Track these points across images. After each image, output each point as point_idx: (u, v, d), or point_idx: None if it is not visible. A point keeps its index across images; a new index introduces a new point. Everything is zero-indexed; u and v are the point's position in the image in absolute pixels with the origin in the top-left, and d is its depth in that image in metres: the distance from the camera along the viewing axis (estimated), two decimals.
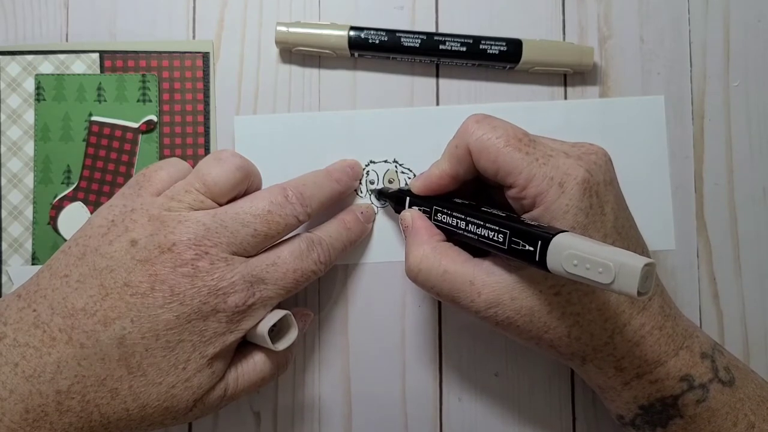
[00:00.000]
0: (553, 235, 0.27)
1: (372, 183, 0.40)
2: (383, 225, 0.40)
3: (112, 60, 0.40)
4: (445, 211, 0.34)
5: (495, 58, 0.39)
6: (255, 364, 0.34)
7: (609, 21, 0.41)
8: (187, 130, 0.40)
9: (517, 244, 0.29)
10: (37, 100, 0.40)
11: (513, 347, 0.40)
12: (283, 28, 0.39)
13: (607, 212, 0.31)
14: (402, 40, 0.39)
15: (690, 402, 0.32)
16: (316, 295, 0.40)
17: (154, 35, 0.41)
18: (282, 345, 0.33)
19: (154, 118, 0.40)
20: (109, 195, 0.40)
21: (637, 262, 0.24)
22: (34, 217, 0.40)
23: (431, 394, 0.40)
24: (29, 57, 0.40)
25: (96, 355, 0.29)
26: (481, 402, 0.40)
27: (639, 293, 0.24)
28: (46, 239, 0.40)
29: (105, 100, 0.40)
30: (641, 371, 0.32)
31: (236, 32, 0.41)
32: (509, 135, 0.31)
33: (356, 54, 0.40)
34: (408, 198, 0.37)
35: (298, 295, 0.40)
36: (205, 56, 0.41)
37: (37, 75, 0.40)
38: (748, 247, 0.40)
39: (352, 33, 0.39)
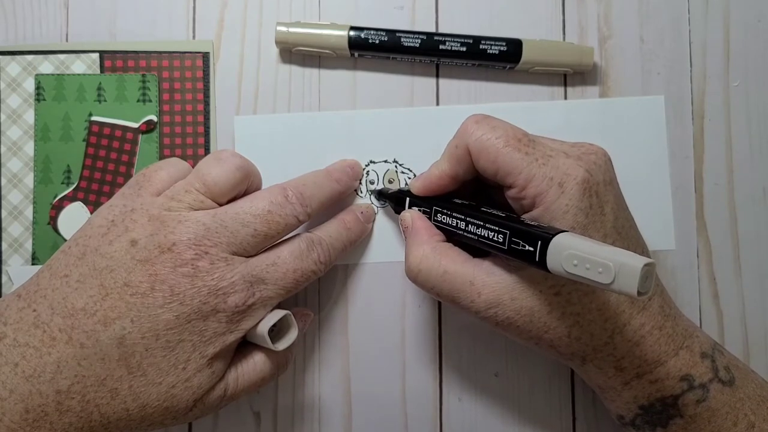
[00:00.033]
0: (553, 236, 0.27)
1: (372, 183, 0.40)
2: (383, 225, 0.40)
3: (112, 60, 0.40)
4: (445, 211, 0.34)
5: (495, 58, 0.39)
6: (255, 364, 0.34)
7: (609, 21, 0.41)
8: (187, 130, 0.40)
9: (517, 244, 0.29)
10: (37, 100, 0.40)
11: (513, 347, 0.40)
12: (283, 28, 0.39)
13: (607, 212, 0.31)
14: (402, 40, 0.39)
15: (690, 402, 0.32)
16: (316, 295, 0.40)
17: (154, 35, 0.41)
18: (282, 345, 0.33)
19: (154, 118, 0.40)
20: (109, 195, 0.40)
21: (637, 262, 0.24)
22: (34, 217, 0.40)
23: (431, 394, 0.40)
24: (29, 57, 0.40)
25: (96, 355, 0.29)
26: (481, 402, 0.40)
27: (639, 293, 0.24)
28: (46, 239, 0.40)
29: (105, 100, 0.40)
30: (641, 371, 0.32)
31: (236, 32, 0.41)
32: (509, 135, 0.31)
33: (356, 54, 0.40)
34: (408, 198, 0.37)
35: (298, 295, 0.40)
36: (205, 56, 0.41)
37: (37, 75, 0.40)
38: (748, 247, 0.40)
39: (352, 33, 0.39)
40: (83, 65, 0.40)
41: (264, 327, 0.32)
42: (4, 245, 0.40)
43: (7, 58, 0.40)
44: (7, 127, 0.40)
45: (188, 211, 0.32)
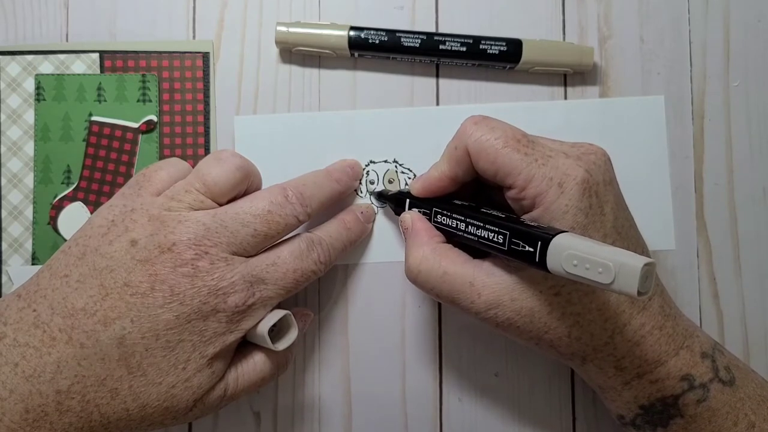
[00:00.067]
0: (553, 236, 0.27)
1: (372, 183, 0.40)
2: (383, 225, 0.40)
3: (112, 60, 0.40)
4: (445, 212, 0.34)
5: (495, 58, 0.39)
6: (255, 364, 0.34)
7: (609, 21, 0.41)
8: (187, 130, 0.40)
9: (517, 245, 0.29)
10: (37, 100, 0.40)
11: (513, 347, 0.40)
12: (283, 28, 0.39)
13: (607, 212, 0.31)
14: (402, 40, 0.39)
15: (690, 402, 0.32)
16: (316, 295, 0.40)
17: (154, 35, 0.41)
18: (282, 345, 0.33)
19: (154, 118, 0.40)
20: (109, 195, 0.40)
21: (637, 261, 0.24)
22: (34, 217, 0.40)
23: (431, 394, 0.40)
24: (29, 57, 0.40)
25: (96, 355, 0.29)
26: (481, 402, 0.40)
27: (639, 293, 0.24)
28: (46, 239, 0.40)
29: (105, 100, 0.40)
30: (642, 371, 0.32)
31: (236, 32, 0.41)
32: (508, 136, 0.31)
33: (356, 54, 0.40)
34: (408, 200, 0.37)
35: (298, 295, 0.40)
36: (205, 56, 0.41)
37: (37, 75, 0.40)
38: (748, 247, 0.40)
39: (352, 33, 0.39)
40: (83, 65, 0.40)
41: (264, 327, 0.32)
42: (4, 245, 0.40)
43: (7, 58, 0.40)
44: (7, 127, 0.40)
45: (188, 211, 0.32)
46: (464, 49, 0.39)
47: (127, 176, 0.40)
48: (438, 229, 0.35)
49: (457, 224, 0.33)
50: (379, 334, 0.40)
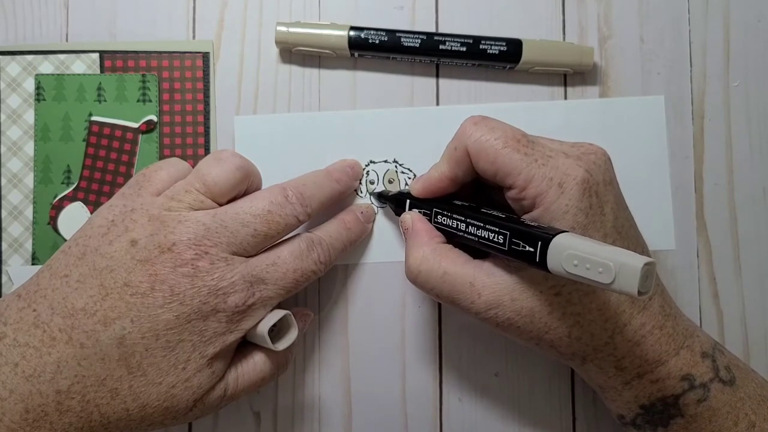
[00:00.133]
0: (553, 236, 0.27)
1: (372, 183, 0.40)
2: (383, 225, 0.40)
3: (112, 60, 0.40)
4: (445, 213, 0.34)
5: (495, 58, 0.39)
6: (255, 364, 0.34)
7: (609, 21, 0.41)
8: (187, 130, 0.40)
9: (517, 245, 0.29)
10: (37, 100, 0.40)
11: (513, 347, 0.40)
12: (283, 28, 0.39)
13: (607, 212, 0.31)
14: (402, 40, 0.39)
15: (691, 401, 0.32)
16: (316, 295, 0.40)
17: (154, 35, 0.41)
18: (282, 345, 0.33)
19: (154, 118, 0.40)
20: (109, 195, 0.40)
21: (637, 261, 0.24)
22: (34, 217, 0.40)
23: (431, 394, 0.40)
24: (29, 57, 0.40)
25: (96, 355, 0.29)
26: (481, 402, 0.40)
27: (639, 293, 0.24)
28: (46, 239, 0.40)
29: (105, 100, 0.40)
30: (642, 371, 0.32)
31: (236, 32, 0.41)
32: (507, 136, 0.31)
33: (356, 54, 0.40)
34: (408, 200, 0.37)
35: (298, 295, 0.40)
36: (205, 56, 0.41)
37: (37, 75, 0.40)
38: (748, 247, 0.40)
39: (352, 33, 0.39)
40: (83, 65, 0.40)
41: (264, 327, 0.32)
42: (4, 245, 0.40)
43: (7, 58, 0.40)
44: (7, 127, 0.40)
45: (188, 211, 0.32)
46: (464, 49, 0.39)
47: (127, 176, 0.40)
48: (438, 229, 0.35)
49: (457, 224, 0.33)
50: (379, 334, 0.40)
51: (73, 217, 0.40)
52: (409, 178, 0.40)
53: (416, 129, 0.40)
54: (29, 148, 0.40)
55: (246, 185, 0.34)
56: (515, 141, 0.31)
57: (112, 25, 0.41)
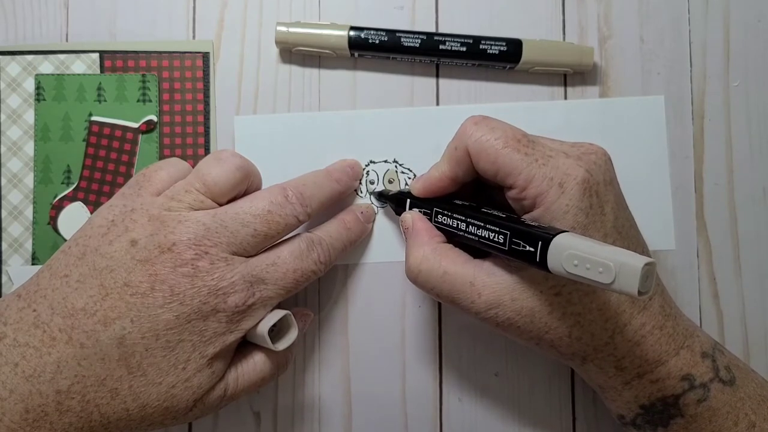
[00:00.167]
0: (554, 236, 0.27)
1: (372, 183, 0.40)
2: (383, 225, 0.40)
3: (112, 60, 0.40)
4: (446, 212, 0.34)
5: (495, 58, 0.39)
6: (255, 364, 0.34)
7: (609, 21, 0.41)
8: (187, 130, 0.40)
9: (518, 244, 0.29)
10: (37, 100, 0.40)
11: (513, 347, 0.40)
12: (283, 28, 0.39)
13: (607, 212, 0.31)
14: (402, 40, 0.39)
15: (691, 401, 0.32)
16: (316, 295, 0.40)
17: (154, 35, 0.41)
18: (282, 345, 0.33)
19: (154, 118, 0.40)
20: (109, 195, 0.40)
21: (638, 261, 0.24)
22: (34, 217, 0.40)
23: (431, 394, 0.40)
24: (29, 57, 0.40)
25: (96, 355, 0.29)
26: (481, 402, 0.40)
27: (640, 293, 0.24)
28: (46, 239, 0.40)
29: (105, 100, 0.40)
30: (642, 371, 0.32)
31: (236, 32, 0.41)
32: (508, 136, 0.31)
33: (356, 54, 0.40)
34: (408, 200, 0.37)
35: (298, 295, 0.40)
36: (205, 56, 0.41)
37: (37, 75, 0.40)
38: (748, 247, 0.40)
39: (352, 33, 0.39)
40: (83, 65, 0.40)
41: (264, 327, 0.32)
42: (4, 245, 0.40)
43: (7, 58, 0.40)
44: (7, 127, 0.40)
45: (188, 211, 0.32)
46: (464, 49, 0.39)
47: (127, 176, 0.40)
48: (438, 229, 0.35)
49: (457, 224, 0.33)
50: (379, 334, 0.40)
51: (73, 217, 0.40)
52: (409, 178, 0.40)
53: (416, 129, 0.40)
54: (29, 148, 0.40)
55: (246, 185, 0.34)
56: (516, 141, 0.31)
57: (112, 25, 0.41)
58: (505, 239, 0.30)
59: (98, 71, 0.40)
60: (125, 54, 0.40)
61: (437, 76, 0.41)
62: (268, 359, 0.34)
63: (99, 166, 0.40)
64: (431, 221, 0.35)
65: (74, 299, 0.30)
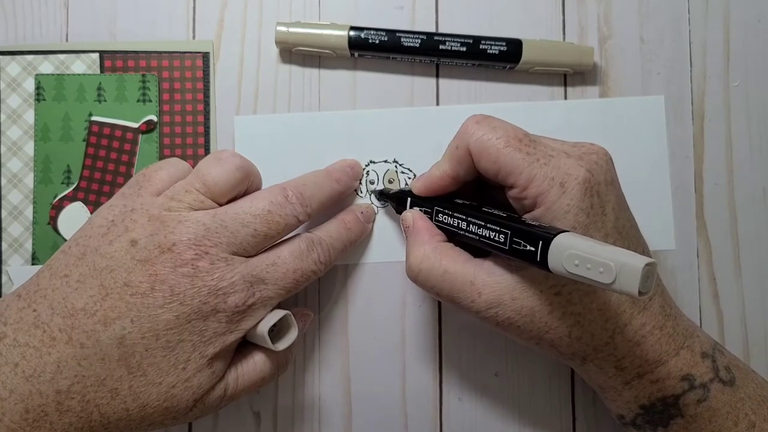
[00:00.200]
0: (554, 235, 0.27)
1: (372, 183, 0.40)
2: (383, 225, 0.40)
3: (112, 60, 0.40)
4: (446, 211, 0.34)
5: (495, 58, 0.39)
6: (255, 364, 0.34)
7: (609, 21, 0.41)
8: (187, 130, 0.40)
9: (518, 244, 0.29)
10: (37, 100, 0.40)
11: (513, 347, 0.40)
12: (283, 28, 0.39)
13: (608, 212, 0.31)
14: (402, 40, 0.39)
15: (691, 402, 0.32)
16: (316, 295, 0.40)
17: (154, 35, 0.41)
18: (282, 345, 0.33)
19: (154, 118, 0.40)
20: (109, 195, 0.40)
21: (638, 261, 0.24)
22: (34, 217, 0.40)
23: (431, 394, 0.40)
24: (29, 57, 0.40)
25: (96, 355, 0.29)
26: (481, 402, 0.40)
27: (640, 293, 0.24)
28: (46, 239, 0.40)
29: (105, 100, 0.40)
30: (642, 371, 0.32)
31: (236, 32, 0.41)
32: (509, 135, 0.31)
33: (356, 54, 0.40)
34: (409, 198, 0.37)
35: (298, 295, 0.40)
36: (205, 56, 0.41)
37: (37, 75, 0.40)
38: (748, 247, 0.40)
39: (352, 33, 0.39)
40: (83, 65, 0.40)
41: (264, 327, 0.32)
42: (4, 245, 0.40)
43: (7, 58, 0.40)
44: (7, 127, 0.40)
45: (188, 211, 0.32)
46: (464, 49, 0.39)
47: (127, 176, 0.40)
48: (439, 227, 0.35)
49: (458, 223, 0.33)
50: (379, 334, 0.40)
51: (73, 217, 0.40)
52: (409, 178, 0.40)
53: (416, 129, 0.40)
54: (29, 148, 0.40)
55: (246, 185, 0.34)
56: (517, 140, 0.31)
57: (112, 25, 0.41)
58: (505, 238, 0.30)
59: (98, 71, 0.40)
60: (125, 54, 0.40)
61: (437, 76, 0.41)
62: (268, 359, 0.34)
63: (99, 166, 0.40)
64: (432, 220, 0.35)
65: (74, 299, 0.30)
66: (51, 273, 0.31)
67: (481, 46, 0.39)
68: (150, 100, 0.40)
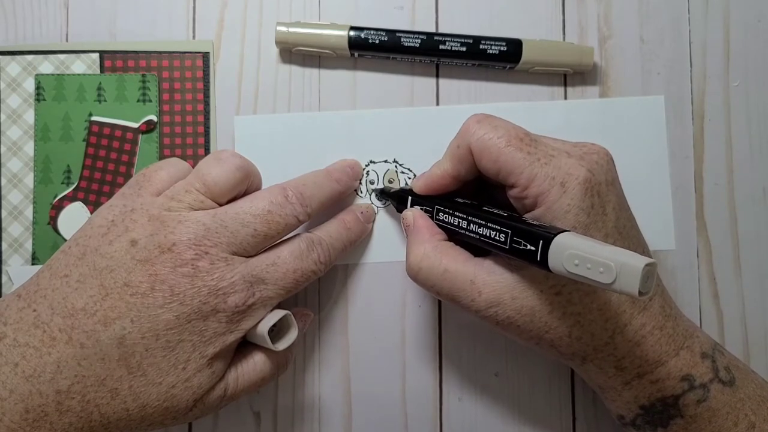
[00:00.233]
0: (555, 235, 0.27)
1: (372, 183, 0.40)
2: (383, 225, 0.40)
3: (112, 60, 0.40)
4: (447, 210, 0.34)
5: (495, 58, 0.39)
6: (255, 364, 0.34)
7: (609, 21, 0.41)
8: (187, 130, 0.40)
9: (519, 243, 0.29)
10: (37, 100, 0.40)
11: (513, 347, 0.40)
12: (283, 28, 0.39)
13: (609, 212, 0.31)
14: (402, 40, 0.39)
15: (691, 402, 0.32)
16: (316, 295, 0.40)
17: (154, 35, 0.41)
18: (282, 345, 0.33)
19: (154, 118, 0.40)
20: (109, 195, 0.40)
21: (639, 261, 0.24)
22: (34, 217, 0.40)
23: (431, 394, 0.40)
24: (29, 57, 0.40)
25: (96, 355, 0.29)
26: (481, 402, 0.40)
27: (640, 293, 0.24)
28: (46, 239, 0.40)
29: (105, 100, 0.40)
30: (642, 371, 0.32)
31: (236, 32, 0.41)
32: (510, 135, 0.31)
33: (356, 54, 0.40)
34: (410, 197, 0.37)
35: (298, 295, 0.40)
36: (205, 56, 0.41)
37: (37, 75, 0.40)
38: (748, 247, 0.40)
39: (352, 33, 0.39)
40: (83, 65, 0.40)
41: (264, 327, 0.32)
42: (4, 245, 0.40)
43: (7, 58, 0.40)
44: (7, 127, 0.40)
45: (188, 211, 0.32)
46: (464, 49, 0.39)
47: (127, 176, 0.40)
48: (440, 226, 0.35)
49: (458, 222, 0.33)
50: (379, 334, 0.40)
51: (73, 217, 0.40)
52: (409, 178, 0.40)
53: (416, 129, 0.40)
54: (29, 148, 0.40)
55: (246, 185, 0.34)
56: (518, 140, 0.31)
57: (112, 25, 0.41)
58: (506, 238, 0.30)
59: (98, 71, 0.40)
60: (125, 54, 0.40)
61: (437, 76, 0.41)
62: (268, 359, 0.34)
63: (99, 166, 0.40)
64: (432, 219, 0.35)
65: (74, 299, 0.30)
66: (51, 273, 0.31)
67: (481, 46, 0.39)
68: (150, 100, 0.40)
